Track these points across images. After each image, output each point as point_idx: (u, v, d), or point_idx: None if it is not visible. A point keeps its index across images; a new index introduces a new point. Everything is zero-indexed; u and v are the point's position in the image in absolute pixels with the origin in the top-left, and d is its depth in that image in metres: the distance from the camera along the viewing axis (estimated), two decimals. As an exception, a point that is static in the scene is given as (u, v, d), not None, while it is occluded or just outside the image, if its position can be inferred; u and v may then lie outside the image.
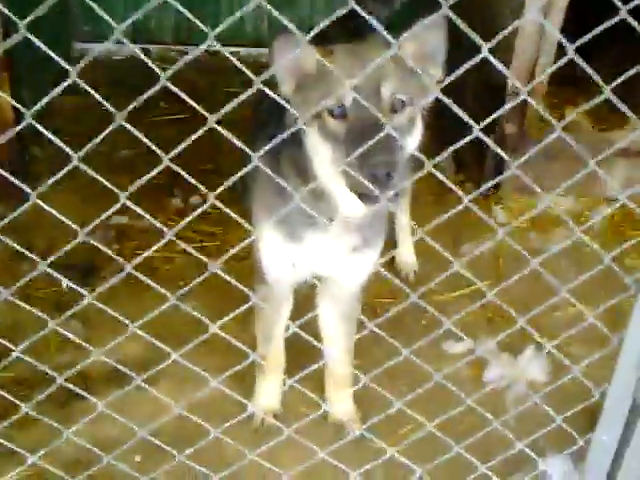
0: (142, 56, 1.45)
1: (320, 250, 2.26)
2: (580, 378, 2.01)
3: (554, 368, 2.87)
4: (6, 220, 1.53)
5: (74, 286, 1.79)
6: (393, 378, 2.60)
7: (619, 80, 1.57)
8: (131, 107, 1.36)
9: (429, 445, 2.31)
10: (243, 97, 1.35)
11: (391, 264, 3.40)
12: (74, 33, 5.19)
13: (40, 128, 1.39)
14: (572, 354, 2.88)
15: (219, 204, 1.53)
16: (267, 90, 1.46)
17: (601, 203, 3.69)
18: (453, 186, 1.67)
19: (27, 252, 1.71)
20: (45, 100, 1.27)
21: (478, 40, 1.39)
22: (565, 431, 2.08)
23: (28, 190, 1.45)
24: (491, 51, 1.40)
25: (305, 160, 2.03)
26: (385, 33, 1.39)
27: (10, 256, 3.04)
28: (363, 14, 1.35)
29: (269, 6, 1.35)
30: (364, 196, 1.89)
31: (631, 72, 1.57)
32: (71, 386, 1.86)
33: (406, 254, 3.39)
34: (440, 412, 2.12)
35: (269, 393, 2.71)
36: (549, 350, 2.09)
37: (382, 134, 1.60)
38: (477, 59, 1.42)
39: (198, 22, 1.38)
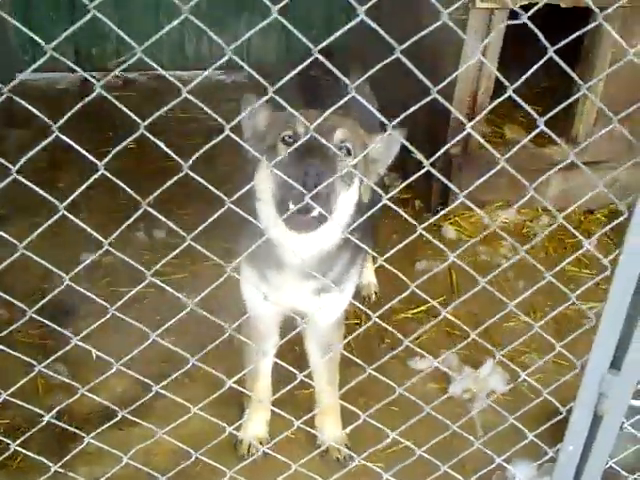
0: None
1: (285, 290, 2.39)
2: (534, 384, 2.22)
3: (512, 377, 3.07)
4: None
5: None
6: (364, 396, 2.77)
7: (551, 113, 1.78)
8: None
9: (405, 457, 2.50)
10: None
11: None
12: (14, 64, 5.23)
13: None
14: (526, 363, 3.11)
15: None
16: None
17: (540, 213, 3.94)
18: (412, 220, 1.82)
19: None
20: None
21: (428, 83, 1.55)
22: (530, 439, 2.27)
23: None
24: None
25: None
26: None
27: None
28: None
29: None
30: (289, 219, 1.97)
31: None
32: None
33: (367, 277, 3.53)
34: (414, 427, 2.23)
35: (257, 422, 2.83)
36: (506, 361, 2.28)
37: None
38: (427, 100, 1.59)
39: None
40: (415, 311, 3.30)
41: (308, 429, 2.50)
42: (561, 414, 2.12)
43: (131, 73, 5.26)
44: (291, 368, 2.01)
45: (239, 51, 5.53)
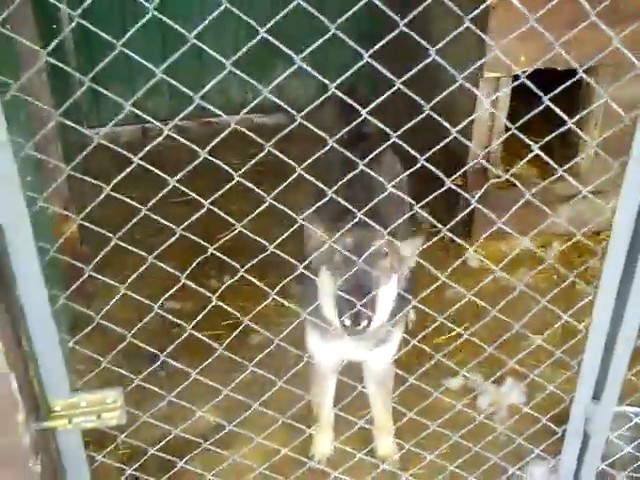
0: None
1: (343, 348, 3.08)
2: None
3: (529, 389, 3.68)
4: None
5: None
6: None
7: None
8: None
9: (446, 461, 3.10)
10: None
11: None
12: (83, 119, 5.93)
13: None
14: (541, 376, 3.68)
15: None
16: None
17: (551, 239, 4.51)
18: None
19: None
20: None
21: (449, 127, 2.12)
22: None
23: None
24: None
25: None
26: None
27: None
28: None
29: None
30: (346, 328, 2.69)
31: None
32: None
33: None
34: (449, 437, 2.92)
35: (323, 442, 3.52)
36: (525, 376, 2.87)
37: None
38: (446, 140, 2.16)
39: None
40: (445, 337, 3.91)
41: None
42: (557, 434, 2.74)
43: (184, 122, 5.89)
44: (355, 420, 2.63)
45: (278, 95, 6.08)
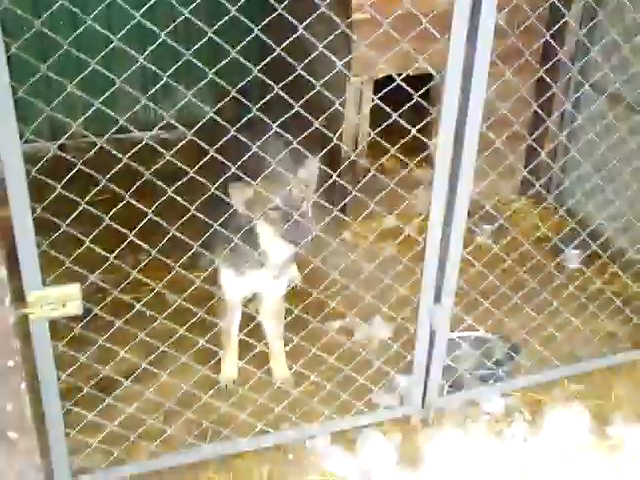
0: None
1: (255, 280, 3.86)
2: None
3: (395, 327, 4.55)
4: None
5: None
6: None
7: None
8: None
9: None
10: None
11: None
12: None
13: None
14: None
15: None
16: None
17: (414, 217, 5.40)
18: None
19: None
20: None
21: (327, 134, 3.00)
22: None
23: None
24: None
25: (251, 235, 3.57)
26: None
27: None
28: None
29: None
30: (292, 242, 3.43)
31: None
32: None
33: (293, 273, 4.98)
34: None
35: (229, 368, 4.22)
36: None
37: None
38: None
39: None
40: (328, 292, 4.71)
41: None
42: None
43: (99, 137, 6.50)
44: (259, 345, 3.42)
45: (179, 111, 6.83)
